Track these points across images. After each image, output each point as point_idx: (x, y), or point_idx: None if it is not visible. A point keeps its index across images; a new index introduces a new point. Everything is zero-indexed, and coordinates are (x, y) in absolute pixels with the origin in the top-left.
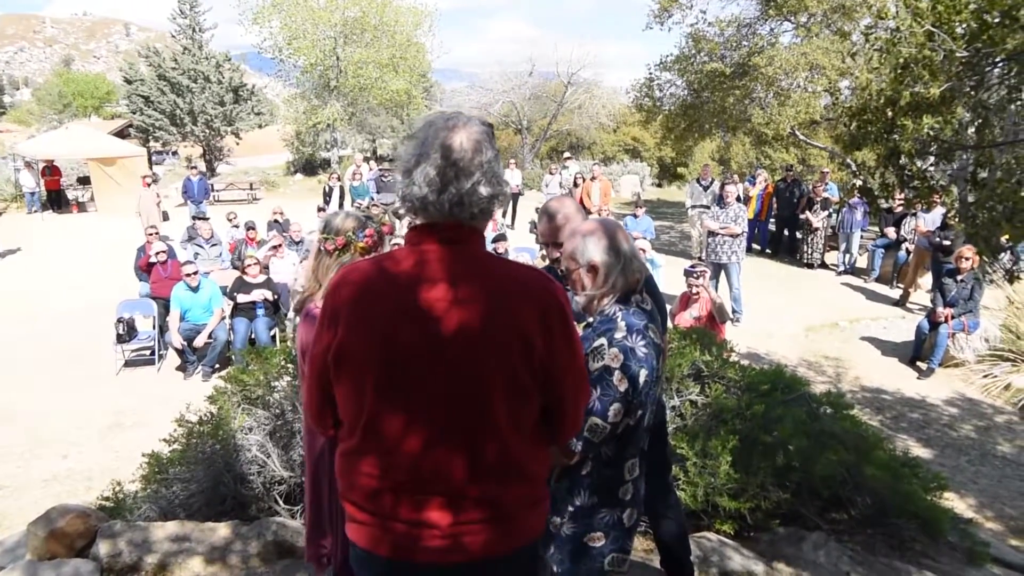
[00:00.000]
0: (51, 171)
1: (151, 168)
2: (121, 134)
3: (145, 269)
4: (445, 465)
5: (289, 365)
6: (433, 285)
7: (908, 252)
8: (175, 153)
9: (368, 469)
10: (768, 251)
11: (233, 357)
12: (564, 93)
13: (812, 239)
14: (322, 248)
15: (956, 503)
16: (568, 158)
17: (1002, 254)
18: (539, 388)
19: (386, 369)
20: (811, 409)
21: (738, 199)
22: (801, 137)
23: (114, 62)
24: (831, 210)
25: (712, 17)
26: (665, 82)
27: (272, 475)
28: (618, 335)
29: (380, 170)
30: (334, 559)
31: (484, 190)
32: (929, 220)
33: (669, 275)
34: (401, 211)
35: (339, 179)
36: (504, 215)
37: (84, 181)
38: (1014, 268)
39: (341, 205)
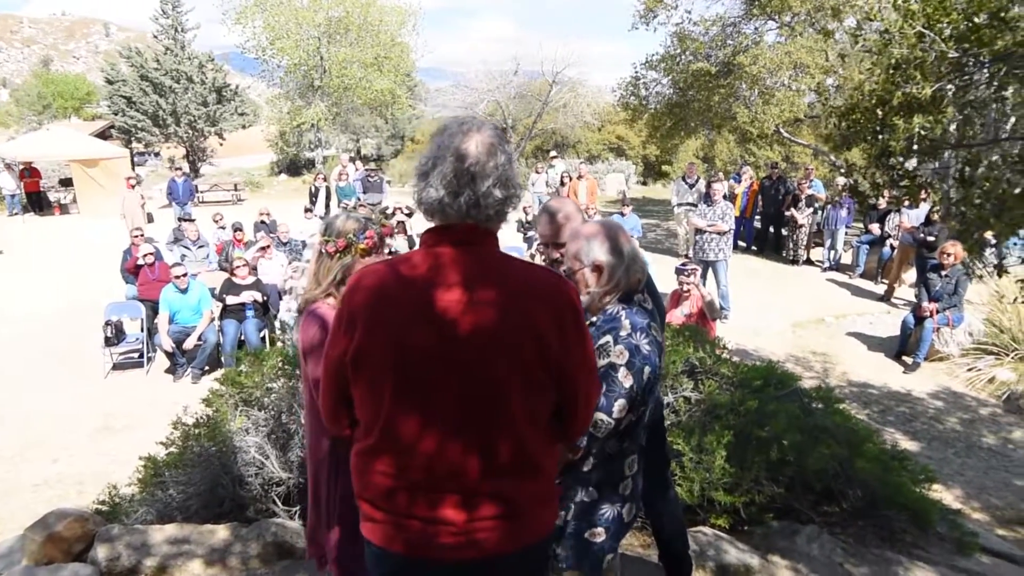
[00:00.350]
0: (30, 173)
1: (133, 169)
2: (103, 135)
3: (132, 271)
4: (461, 463)
5: (287, 367)
6: (449, 287)
7: (892, 248)
8: (157, 154)
9: (384, 468)
10: (754, 248)
11: (223, 359)
12: (549, 92)
13: (797, 236)
14: (323, 250)
15: (943, 494)
16: (554, 157)
17: (987, 249)
18: (554, 385)
19: (404, 371)
20: (803, 404)
21: (725, 197)
22: (785, 135)
23: (94, 62)
24: (816, 207)
25: (697, 16)
26: (651, 81)
27: (270, 476)
28: (623, 333)
29: (366, 170)
30: (336, 558)
31: (498, 192)
32: (913, 216)
33: (656, 273)
34: (404, 213)
35: (325, 180)
36: None
37: (66, 183)
38: (1002, 262)
39: (328, 206)
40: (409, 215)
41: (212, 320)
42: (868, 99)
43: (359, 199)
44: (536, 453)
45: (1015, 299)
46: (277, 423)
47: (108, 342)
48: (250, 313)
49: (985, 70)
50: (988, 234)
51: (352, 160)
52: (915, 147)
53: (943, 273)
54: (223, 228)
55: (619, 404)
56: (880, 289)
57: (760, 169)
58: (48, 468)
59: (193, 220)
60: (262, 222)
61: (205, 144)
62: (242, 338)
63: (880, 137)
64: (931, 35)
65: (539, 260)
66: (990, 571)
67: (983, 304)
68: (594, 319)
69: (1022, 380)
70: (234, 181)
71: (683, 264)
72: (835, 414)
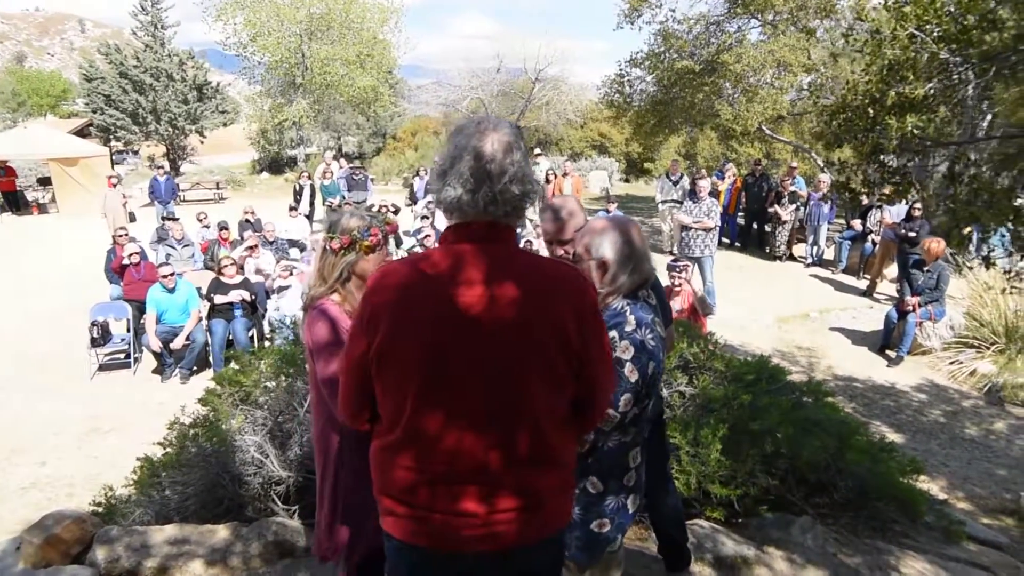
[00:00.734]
0: (6, 172)
1: (113, 168)
2: (81, 133)
3: (117, 271)
4: (484, 457)
5: (285, 365)
6: (472, 284)
7: (874, 244)
8: (136, 152)
9: (408, 463)
10: (737, 244)
11: (211, 359)
12: (532, 90)
13: (780, 232)
14: (327, 247)
15: (929, 485)
16: (539, 154)
17: (971, 244)
18: (573, 379)
19: (429, 368)
20: (795, 398)
21: (710, 194)
22: (767, 132)
23: (69, 59)
24: (799, 203)
25: (680, 15)
26: (635, 79)
27: (270, 475)
28: (628, 328)
29: (351, 168)
30: (345, 554)
31: (516, 188)
32: (894, 212)
33: None
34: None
35: (310, 178)
36: None
37: (44, 182)
38: (989, 255)
39: (312, 204)
40: (395, 212)
41: (200, 320)
42: (862, 98)
43: (344, 197)
44: (556, 445)
45: (1003, 290)
46: (276, 422)
47: (94, 343)
48: (238, 312)
49: (971, 71)
50: (967, 229)
51: (335, 158)
52: (906, 145)
53: (925, 268)
54: (207, 227)
55: (624, 398)
56: (862, 284)
57: (742, 166)
58: (36, 471)
59: (177, 219)
60: (247, 221)
61: (185, 142)
62: (230, 338)
63: (871, 135)
64: (923, 36)
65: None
66: (977, 558)
67: (963, 298)
68: None
69: (1002, 372)
70: (216, 179)
71: (675, 260)
72: (825, 407)
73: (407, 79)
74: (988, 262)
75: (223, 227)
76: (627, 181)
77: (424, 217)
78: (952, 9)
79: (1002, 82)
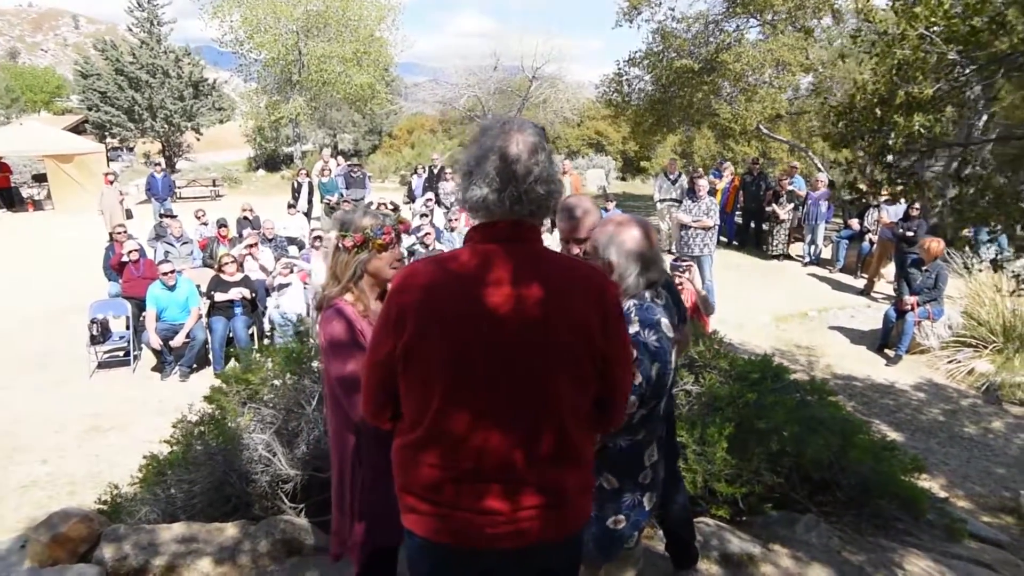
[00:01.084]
0: (0, 168)
1: (108, 165)
2: (76, 130)
3: (116, 268)
4: (509, 455)
5: (293, 363)
6: (498, 285)
7: (871, 243)
8: (131, 149)
9: (432, 460)
10: (735, 243)
11: (211, 357)
12: (529, 88)
13: (778, 231)
14: (340, 245)
15: (930, 483)
16: None
17: (980, 247)
18: (597, 378)
19: (456, 367)
20: (799, 397)
21: (708, 193)
22: (764, 131)
23: (63, 55)
24: (796, 202)
25: (679, 14)
26: (634, 78)
27: (278, 473)
28: (632, 330)
29: (349, 166)
30: (359, 551)
31: (541, 188)
32: (892, 212)
33: None
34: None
35: (307, 175)
36: None
37: (39, 178)
38: (998, 257)
39: (310, 202)
40: (395, 210)
41: (200, 317)
42: (871, 97)
43: (342, 195)
44: (578, 444)
45: (1012, 292)
46: (284, 420)
47: (94, 340)
48: (238, 310)
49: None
50: (966, 231)
51: (333, 155)
52: (912, 145)
53: (924, 268)
54: (205, 224)
55: (629, 400)
56: (860, 283)
57: (739, 165)
58: (37, 469)
59: (175, 216)
60: (245, 218)
61: (181, 139)
62: (230, 335)
63: (878, 136)
64: (933, 37)
65: None
66: (979, 556)
67: (961, 298)
68: None
69: (1000, 371)
70: (212, 176)
71: (677, 260)
72: (829, 406)
73: (403, 77)
74: (996, 265)
75: (222, 224)
76: (623, 179)
77: (423, 215)
78: (960, 10)
79: (1010, 83)
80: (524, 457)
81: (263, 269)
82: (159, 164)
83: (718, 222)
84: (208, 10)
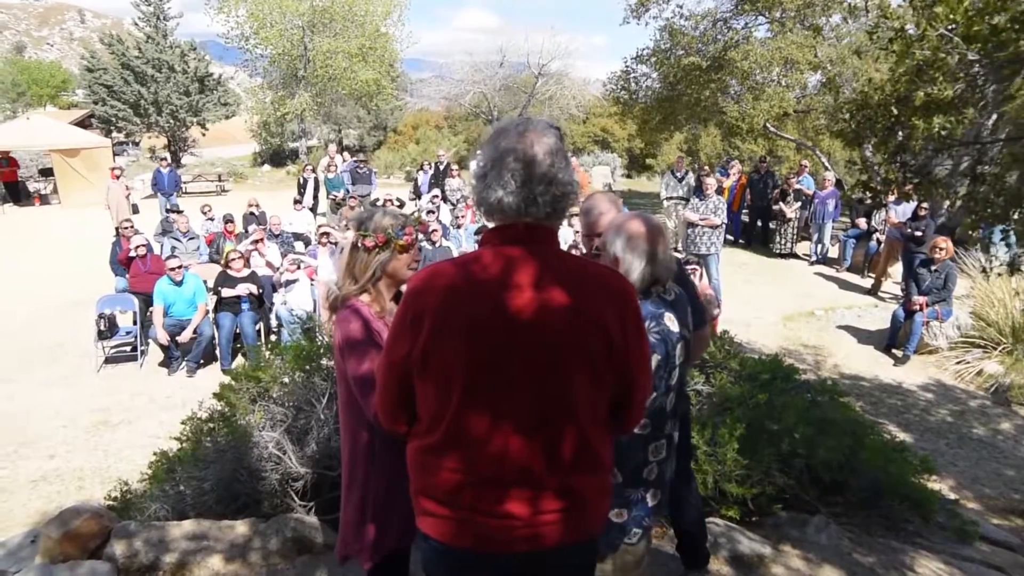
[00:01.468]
0: (8, 163)
1: (114, 160)
2: (82, 124)
3: (124, 263)
4: (530, 459)
5: (303, 361)
6: (517, 287)
7: (879, 242)
8: (137, 144)
9: (452, 465)
10: (741, 241)
11: (218, 352)
12: (535, 84)
13: (785, 230)
14: (360, 245)
15: (939, 485)
16: None
17: (994, 247)
18: (616, 381)
19: (474, 371)
20: (810, 397)
21: (717, 191)
22: (771, 130)
23: (69, 50)
24: (803, 201)
25: (687, 11)
26: (641, 75)
27: (288, 471)
28: None
29: (355, 161)
30: (371, 553)
31: (557, 190)
32: (900, 212)
33: None
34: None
35: (313, 171)
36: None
37: (46, 173)
38: (1016, 259)
39: (316, 197)
40: (400, 206)
41: (207, 313)
42: (890, 96)
43: (348, 191)
44: (598, 447)
45: None
46: (294, 418)
47: (101, 335)
48: (245, 306)
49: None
50: (975, 232)
51: (339, 151)
52: (933, 145)
53: (933, 268)
54: (211, 219)
55: (647, 402)
56: (867, 283)
57: (745, 163)
58: (46, 464)
59: (182, 212)
60: (251, 214)
61: (187, 134)
62: (237, 331)
63: (892, 134)
64: (955, 37)
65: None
66: (990, 559)
67: (969, 297)
68: None
69: (1009, 373)
70: (217, 171)
71: (684, 260)
72: (840, 407)
73: (409, 72)
74: (1014, 267)
75: (228, 220)
76: (629, 177)
77: (429, 212)
78: (980, 5)
79: None
80: (545, 461)
81: (270, 265)
82: (165, 159)
83: (725, 220)
84: (214, 5)
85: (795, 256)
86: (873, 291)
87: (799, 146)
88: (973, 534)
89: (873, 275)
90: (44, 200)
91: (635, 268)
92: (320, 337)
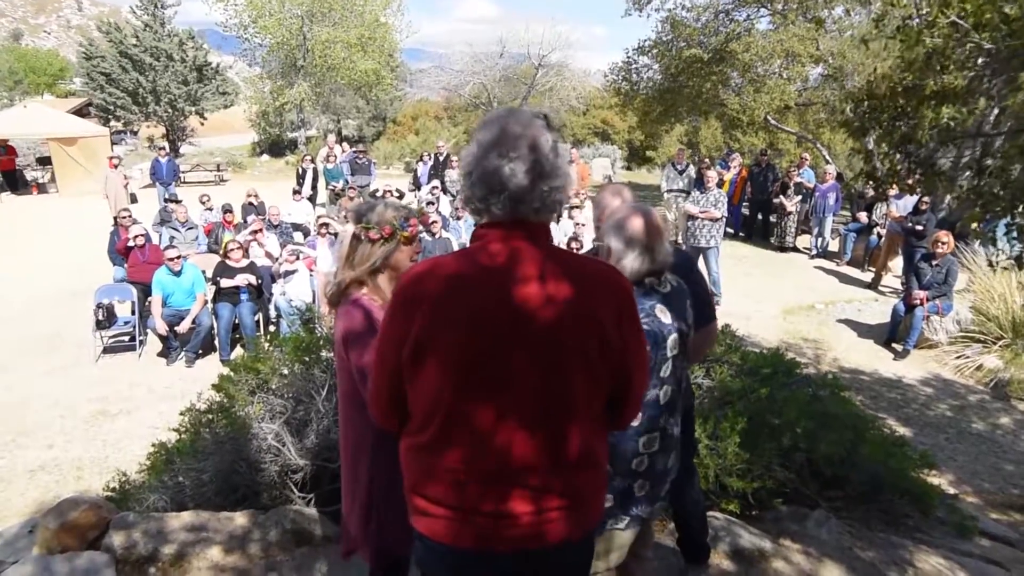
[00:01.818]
0: (6, 151)
1: (112, 149)
2: (80, 113)
3: (122, 253)
4: (525, 456)
5: (302, 353)
6: (512, 284)
7: (879, 236)
8: (135, 133)
9: (448, 463)
10: (741, 234)
11: (217, 343)
12: (535, 75)
13: (785, 223)
14: (364, 237)
15: (937, 479)
16: None
17: (1000, 241)
18: (612, 377)
19: (467, 367)
20: (811, 391)
21: (717, 184)
22: (772, 122)
23: (66, 38)
24: (804, 194)
25: (689, 3)
26: (643, 66)
27: (287, 463)
28: None
29: (354, 152)
30: (375, 547)
31: (546, 184)
32: (901, 206)
33: None
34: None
35: (312, 161)
36: None
37: (43, 162)
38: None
39: (315, 188)
40: (400, 197)
41: (206, 303)
42: (897, 85)
43: (347, 181)
44: (594, 444)
45: None
46: (293, 409)
47: (99, 325)
48: (244, 296)
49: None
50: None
51: (338, 141)
52: (942, 136)
53: (934, 262)
54: (210, 210)
55: (643, 398)
56: (867, 277)
57: (745, 156)
58: (44, 454)
59: (180, 201)
60: (250, 204)
61: (185, 123)
62: (236, 322)
63: (898, 124)
64: (965, 25)
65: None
66: (990, 554)
67: (968, 291)
68: None
69: (1009, 367)
70: (216, 161)
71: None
72: (841, 401)
73: (408, 63)
74: (1021, 262)
75: (227, 210)
76: (629, 169)
77: (429, 203)
78: None
79: None
80: (541, 458)
81: (269, 255)
82: (163, 148)
83: (726, 213)
84: None
85: (795, 250)
86: (873, 285)
87: (800, 139)
88: (973, 529)
89: (873, 269)
90: (42, 189)
91: (628, 260)
92: (319, 328)
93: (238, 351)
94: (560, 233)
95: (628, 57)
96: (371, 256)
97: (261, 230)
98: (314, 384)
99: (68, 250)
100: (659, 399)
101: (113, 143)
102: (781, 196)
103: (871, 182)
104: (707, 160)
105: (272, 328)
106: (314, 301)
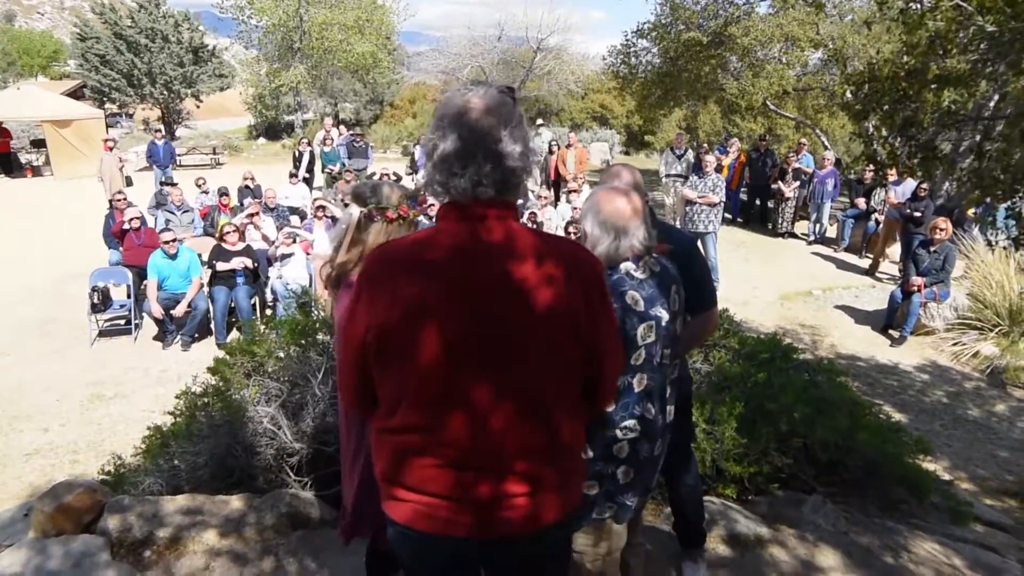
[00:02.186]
0: (0, 133)
1: (107, 131)
2: (74, 95)
3: (117, 236)
4: (495, 441)
5: (298, 336)
6: (476, 267)
7: (877, 223)
8: (130, 116)
9: (416, 448)
10: (739, 220)
11: (213, 326)
12: (533, 59)
13: (783, 208)
14: (379, 217)
15: (933, 466)
16: (541, 124)
17: (999, 224)
18: (584, 359)
19: (434, 353)
20: (808, 377)
21: (716, 169)
22: (771, 107)
23: (60, 19)
24: (803, 180)
25: None
26: (641, 49)
27: (283, 446)
28: None
29: (351, 135)
30: (373, 534)
31: (509, 163)
32: (900, 192)
33: None
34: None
35: (309, 144)
36: None
37: (38, 144)
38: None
39: (311, 171)
40: (398, 181)
41: (202, 287)
42: (899, 68)
43: (344, 164)
44: (568, 429)
45: None
46: (289, 393)
47: (95, 309)
48: (240, 280)
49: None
50: (971, 211)
51: (335, 125)
52: (943, 120)
53: (932, 249)
54: (206, 193)
55: (617, 382)
56: (865, 263)
57: (744, 141)
58: (40, 438)
59: (176, 184)
60: (246, 187)
61: (181, 106)
62: (232, 305)
63: (899, 107)
64: (968, 8)
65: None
66: (984, 539)
67: (965, 278)
68: None
69: (1005, 355)
70: (212, 144)
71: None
72: (838, 387)
73: (406, 45)
74: (1019, 243)
75: (223, 193)
76: (627, 153)
77: None
78: None
79: None
80: (512, 444)
81: (265, 239)
82: (159, 131)
83: (724, 199)
84: None
85: (793, 235)
86: (871, 271)
87: (799, 125)
88: (968, 515)
89: (871, 255)
90: (37, 172)
91: (601, 242)
92: (316, 311)
93: (234, 334)
94: (558, 217)
95: (627, 40)
96: (386, 236)
97: (257, 213)
98: (310, 367)
99: (63, 233)
100: (633, 386)
101: (108, 125)
102: (779, 182)
103: (872, 163)
104: (705, 145)
105: (268, 311)
106: (310, 284)
